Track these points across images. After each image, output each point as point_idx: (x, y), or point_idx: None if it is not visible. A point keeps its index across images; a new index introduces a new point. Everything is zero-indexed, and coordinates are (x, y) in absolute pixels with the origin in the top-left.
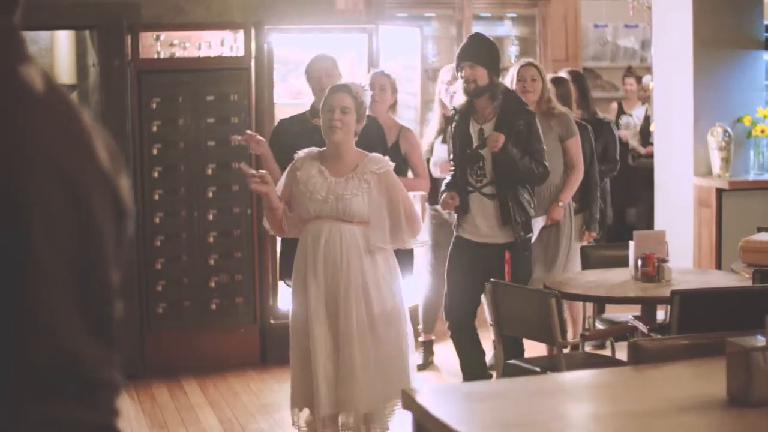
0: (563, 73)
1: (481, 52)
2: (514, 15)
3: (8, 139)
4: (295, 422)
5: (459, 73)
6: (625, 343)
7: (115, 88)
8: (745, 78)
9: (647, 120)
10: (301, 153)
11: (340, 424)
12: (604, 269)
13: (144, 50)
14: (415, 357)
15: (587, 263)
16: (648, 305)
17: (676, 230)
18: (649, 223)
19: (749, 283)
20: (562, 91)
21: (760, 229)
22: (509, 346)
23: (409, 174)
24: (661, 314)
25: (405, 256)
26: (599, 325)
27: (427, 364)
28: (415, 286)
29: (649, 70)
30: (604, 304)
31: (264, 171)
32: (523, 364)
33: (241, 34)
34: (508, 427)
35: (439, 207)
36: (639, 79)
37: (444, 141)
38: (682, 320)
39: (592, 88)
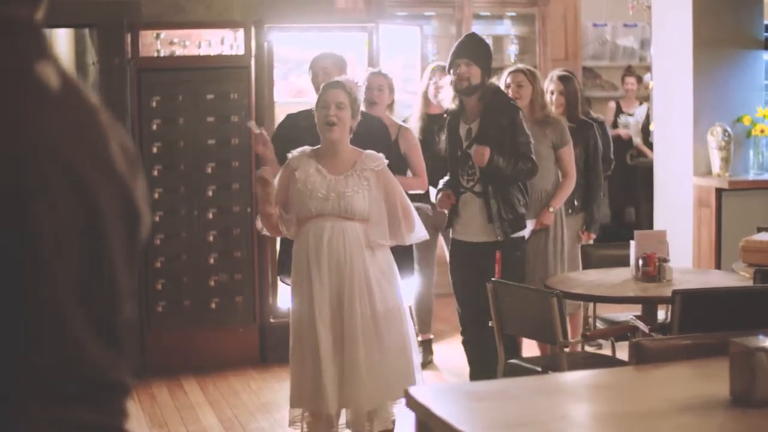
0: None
1: (478, 52)
2: (513, 14)
3: (15, 136)
4: (292, 422)
5: (453, 70)
6: (625, 343)
7: (114, 87)
8: (744, 78)
9: (648, 118)
10: (294, 152)
11: (346, 422)
12: (605, 269)
13: (144, 49)
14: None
15: (588, 263)
16: (649, 305)
17: (675, 230)
18: (648, 223)
19: (750, 283)
20: (569, 89)
21: (760, 229)
22: (506, 345)
23: (408, 173)
24: (661, 314)
25: (405, 256)
26: (600, 325)
27: (426, 363)
28: (407, 286)
29: (648, 69)
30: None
31: (266, 177)
32: (524, 364)
33: (241, 32)
34: (510, 426)
35: (421, 204)
36: (639, 79)
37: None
38: (683, 320)
39: (592, 87)
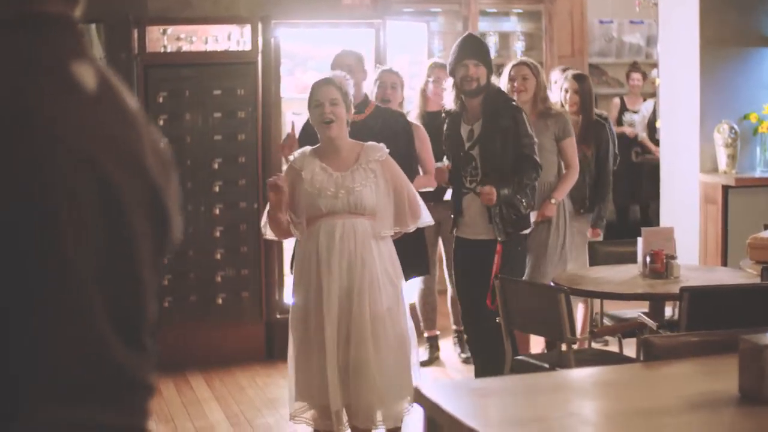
0: (557, 72)
1: (483, 52)
2: (520, 11)
3: (41, 133)
4: (293, 416)
5: (459, 71)
6: (632, 340)
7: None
8: (751, 75)
9: (655, 114)
10: (295, 154)
11: (348, 419)
12: (612, 265)
13: (150, 44)
14: (421, 352)
15: (595, 259)
16: (656, 302)
17: (681, 227)
18: (654, 220)
19: (757, 280)
20: (584, 87)
21: (766, 226)
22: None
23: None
24: (668, 311)
25: (420, 254)
26: (606, 322)
27: (432, 360)
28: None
29: (653, 66)
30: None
31: (283, 177)
32: (532, 360)
33: (248, 28)
34: (520, 423)
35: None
36: (645, 75)
37: None
38: (691, 317)
39: (598, 84)
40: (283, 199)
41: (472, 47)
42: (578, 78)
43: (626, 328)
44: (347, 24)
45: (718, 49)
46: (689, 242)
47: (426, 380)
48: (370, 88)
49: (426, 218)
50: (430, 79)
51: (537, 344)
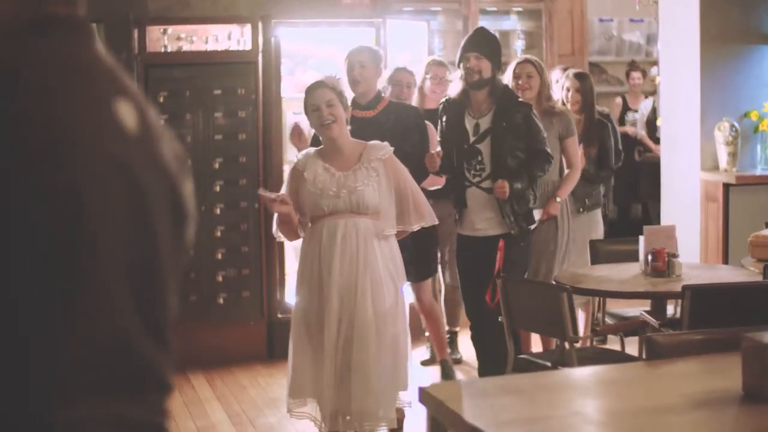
0: (558, 71)
1: (488, 46)
2: (520, 9)
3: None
4: (290, 410)
5: (463, 64)
6: (633, 338)
7: None
8: (752, 73)
9: (655, 111)
10: (299, 155)
11: (348, 419)
12: (614, 264)
13: (151, 44)
14: (422, 352)
15: (597, 258)
16: (658, 300)
17: (682, 225)
18: (655, 219)
19: (759, 278)
20: (585, 86)
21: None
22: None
23: None
24: (670, 309)
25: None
26: (608, 321)
27: (434, 359)
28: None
29: (653, 64)
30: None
31: (284, 193)
32: (534, 359)
33: (248, 27)
34: (524, 422)
35: None
36: (644, 73)
37: None
38: (693, 315)
39: (598, 82)
40: (291, 210)
41: (477, 41)
42: (580, 76)
43: (628, 327)
44: (347, 23)
45: (719, 47)
46: (690, 240)
47: (427, 380)
48: (384, 86)
49: (431, 218)
50: (428, 77)
51: (538, 343)
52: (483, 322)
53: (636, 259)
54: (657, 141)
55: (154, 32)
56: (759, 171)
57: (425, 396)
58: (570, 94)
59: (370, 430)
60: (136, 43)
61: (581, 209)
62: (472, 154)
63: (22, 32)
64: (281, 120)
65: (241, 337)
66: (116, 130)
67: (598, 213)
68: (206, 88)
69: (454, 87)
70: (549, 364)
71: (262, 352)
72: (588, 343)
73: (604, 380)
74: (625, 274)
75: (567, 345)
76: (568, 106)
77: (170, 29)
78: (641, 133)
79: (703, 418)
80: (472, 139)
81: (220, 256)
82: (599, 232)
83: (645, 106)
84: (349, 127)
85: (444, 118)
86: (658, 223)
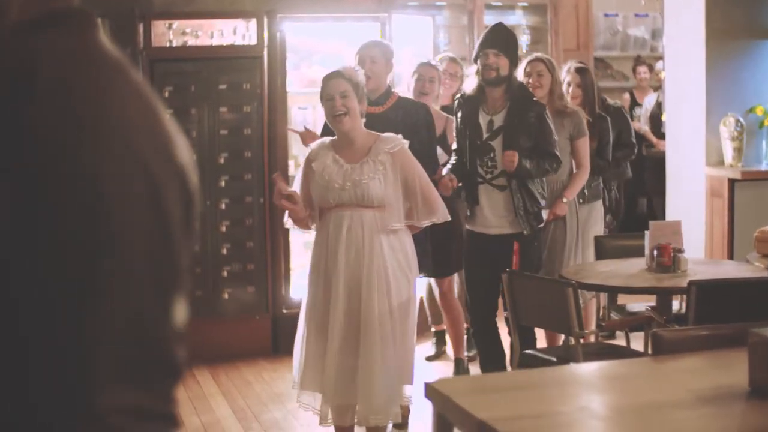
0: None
1: (507, 43)
2: (525, 4)
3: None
4: (300, 402)
5: (480, 60)
6: (638, 334)
7: None
8: (757, 68)
9: (659, 106)
10: (313, 144)
11: (354, 415)
12: (619, 259)
13: (156, 39)
14: (428, 347)
15: (602, 253)
16: (663, 296)
17: (688, 220)
18: (659, 214)
19: (765, 273)
20: (586, 80)
21: None
22: (523, 336)
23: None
24: (675, 305)
25: (446, 253)
26: (613, 316)
27: (439, 354)
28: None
29: (658, 59)
30: (619, 294)
31: (294, 191)
32: (540, 354)
33: (253, 22)
34: (530, 417)
35: None
36: (651, 67)
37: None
38: (699, 311)
39: (603, 77)
40: (297, 205)
41: (496, 37)
42: (580, 71)
43: (634, 322)
44: (353, 18)
45: (724, 42)
46: (695, 236)
47: (432, 375)
48: (407, 81)
49: (443, 214)
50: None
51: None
52: (486, 320)
53: (641, 254)
54: (662, 136)
55: (159, 27)
56: (764, 166)
57: (431, 391)
58: (571, 88)
59: (375, 424)
60: (141, 38)
61: (581, 200)
62: (485, 150)
63: (33, 28)
64: (286, 115)
65: (245, 332)
66: (134, 124)
67: (598, 205)
68: (211, 83)
69: (468, 83)
70: (555, 359)
71: (267, 347)
72: (594, 339)
73: (610, 375)
74: (631, 269)
75: (573, 340)
76: (568, 99)
77: (175, 24)
78: (644, 128)
79: (710, 414)
80: (485, 135)
81: (225, 251)
82: (599, 226)
83: (649, 100)
84: (363, 120)
85: (459, 114)
86: (663, 218)
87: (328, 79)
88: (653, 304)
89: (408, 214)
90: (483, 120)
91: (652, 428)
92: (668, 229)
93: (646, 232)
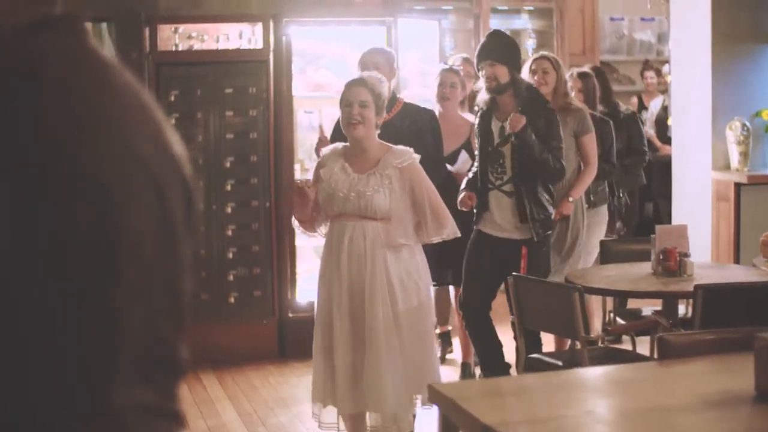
0: (577, 70)
1: (500, 50)
2: (531, 8)
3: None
4: (315, 415)
5: (479, 72)
6: (644, 338)
7: None
8: (763, 72)
9: (665, 110)
10: (326, 150)
11: (369, 426)
12: (625, 263)
13: (162, 42)
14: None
15: (607, 257)
16: (669, 300)
17: (694, 224)
18: (665, 218)
19: None
20: (587, 85)
21: None
22: (528, 340)
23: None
24: (681, 309)
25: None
26: (619, 320)
27: (443, 356)
28: None
29: (664, 63)
30: (625, 298)
31: (309, 187)
32: (545, 359)
33: (259, 26)
34: (536, 422)
35: None
36: (659, 72)
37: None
38: (705, 315)
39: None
40: (307, 202)
41: (489, 48)
42: (582, 76)
43: (640, 327)
44: (359, 22)
45: (730, 46)
46: (701, 240)
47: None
48: (434, 88)
49: (452, 231)
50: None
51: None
52: (482, 316)
53: (647, 258)
54: (668, 140)
55: (165, 31)
56: None
57: (436, 394)
58: (573, 93)
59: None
60: (147, 42)
61: (586, 205)
62: (496, 157)
63: (32, 30)
64: (292, 119)
65: (252, 336)
66: (132, 124)
67: (603, 210)
68: (217, 86)
69: (482, 94)
70: (560, 363)
71: (274, 351)
72: (600, 343)
73: (616, 380)
74: (637, 273)
75: (579, 344)
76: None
77: (181, 28)
78: (649, 131)
79: (715, 418)
80: (496, 141)
81: (231, 255)
82: (602, 230)
83: (655, 104)
84: (378, 131)
85: (477, 122)
86: (669, 222)
87: (351, 86)
88: (659, 308)
89: (417, 228)
90: (495, 127)
91: None
92: (674, 233)
93: (652, 236)
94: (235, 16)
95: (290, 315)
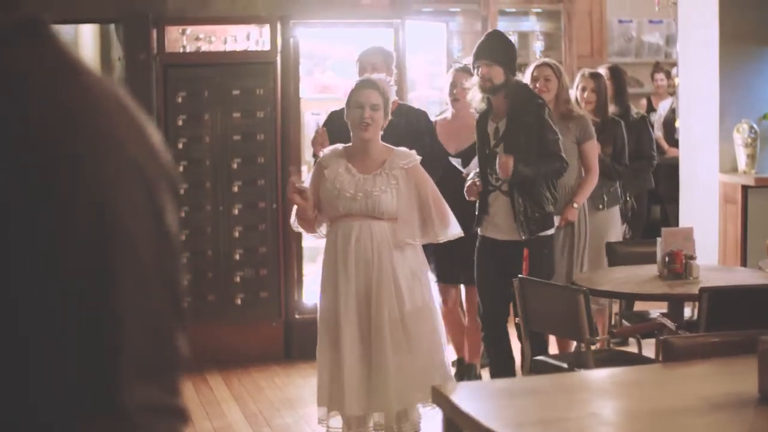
0: (601, 70)
1: (497, 51)
2: (539, 10)
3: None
4: (322, 420)
5: (475, 71)
6: (650, 340)
7: (140, 83)
8: None
9: (673, 112)
10: (326, 151)
11: (372, 424)
12: (631, 266)
13: (169, 44)
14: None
15: (614, 260)
16: (675, 302)
17: (701, 227)
18: (672, 220)
19: None
20: (598, 86)
21: None
22: (534, 342)
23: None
24: (687, 311)
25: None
26: (625, 323)
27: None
28: None
29: (673, 65)
30: (632, 301)
31: (306, 187)
32: (551, 361)
33: (266, 28)
34: (539, 424)
35: None
36: (668, 74)
37: None
38: (711, 318)
39: None
40: (308, 202)
41: (486, 48)
42: (594, 76)
43: (645, 329)
44: (366, 24)
45: (738, 48)
46: (708, 242)
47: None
48: (446, 87)
49: (455, 230)
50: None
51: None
52: (497, 325)
53: (653, 261)
54: (675, 142)
55: (172, 32)
56: None
57: (439, 396)
58: (585, 94)
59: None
60: (155, 44)
61: (600, 206)
62: (493, 158)
63: (11, 34)
64: (300, 120)
65: (258, 337)
66: (117, 120)
67: (616, 210)
68: (225, 88)
69: (474, 93)
70: (565, 365)
71: (280, 352)
72: (605, 345)
73: (621, 382)
74: (643, 276)
75: (584, 347)
76: (582, 105)
77: (189, 29)
78: (657, 133)
79: (720, 421)
80: (492, 143)
81: (238, 256)
82: (617, 231)
83: (663, 106)
84: (381, 133)
85: (476, 127)
86: (676, 224)
87: (361, 87)
88: (665, 310)
89: (423, 228)
90: (491, 128)
91: None
92: (680, 235)
93: (658, 238)
94: (242, 18)
95: (297, 316)
